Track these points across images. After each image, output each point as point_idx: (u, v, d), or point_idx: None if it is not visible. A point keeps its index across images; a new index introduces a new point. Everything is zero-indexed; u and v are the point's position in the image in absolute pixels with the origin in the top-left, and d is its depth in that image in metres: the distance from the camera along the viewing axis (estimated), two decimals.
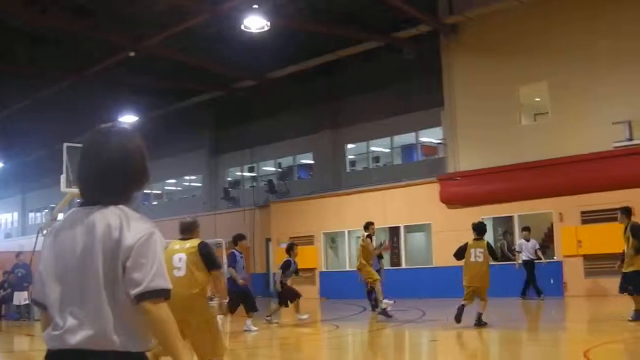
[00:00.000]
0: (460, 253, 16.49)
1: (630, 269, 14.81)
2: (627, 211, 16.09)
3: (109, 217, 3.16)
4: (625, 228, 16.07)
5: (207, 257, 8.99)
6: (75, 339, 3.04)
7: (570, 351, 12.51)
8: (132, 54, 26.76)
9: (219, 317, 17.45)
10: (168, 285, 3.17)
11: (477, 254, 16.17)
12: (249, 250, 30.64)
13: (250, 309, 16.90)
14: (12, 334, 21.29)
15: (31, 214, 61.50)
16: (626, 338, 13.25)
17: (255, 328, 16.58)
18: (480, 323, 15.66)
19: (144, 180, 3.44)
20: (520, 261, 22.92)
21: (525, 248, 23.02)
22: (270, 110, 36.34)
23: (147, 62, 28.41)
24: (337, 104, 33.96)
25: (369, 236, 18.90)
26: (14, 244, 37.39)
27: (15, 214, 63.76)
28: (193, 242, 9.08)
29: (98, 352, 3.05)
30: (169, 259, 8.59)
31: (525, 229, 23.44)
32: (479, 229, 16.88)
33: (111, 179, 3.25)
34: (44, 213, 57.39)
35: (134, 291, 3.06)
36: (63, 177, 21.71)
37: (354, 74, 32.55)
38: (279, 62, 30.16)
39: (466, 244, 16.62)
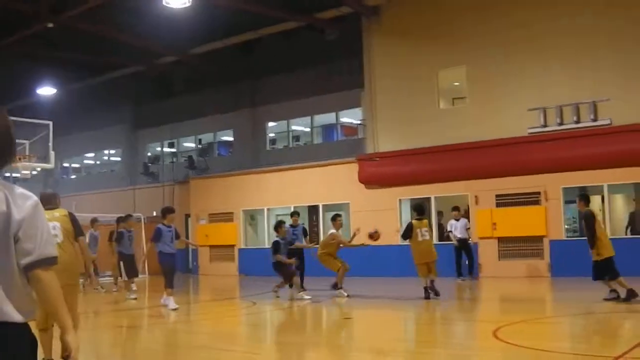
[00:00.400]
0: (407, 233, 17.28)
1: (599, 258, 15.16)
2: (584, 198, 16.61)
3: None
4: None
5: (75, 223, 9.40)
6: None
7: (480, 330, 12.92)
8: (50, 25, 26.36)
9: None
10: (56, 252, 3.36)
11: (423, 233, 17.24)
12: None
13: (168, 284, 16.78)
14: None
15: None
16: (536, 318, 13.73)
17: (175, 305, 16.48)
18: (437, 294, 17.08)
19: (12, 155, 3.46)
20: (455, 241, 23.24)
21: (456, 227, 23.29)
22: (191, 86, 36.29)
23: (67, 35, 28.02)
24: (259, 82, 34.07)
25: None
26: None
27: None
28: (61, 211, 9.41)
29: None
30: None
31: (455, 208, 23.64)
32: (420, 209, 18.23)
33: None
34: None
35: (26, 260, 3.21)
36: None
37: (276, 53, 32.67)
38: (200, 38, 30.10)
39: (411, 224, 17.52)
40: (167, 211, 17.34)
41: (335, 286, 18.72)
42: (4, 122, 3.39)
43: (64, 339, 3.39)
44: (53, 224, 8.95)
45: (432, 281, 17.29)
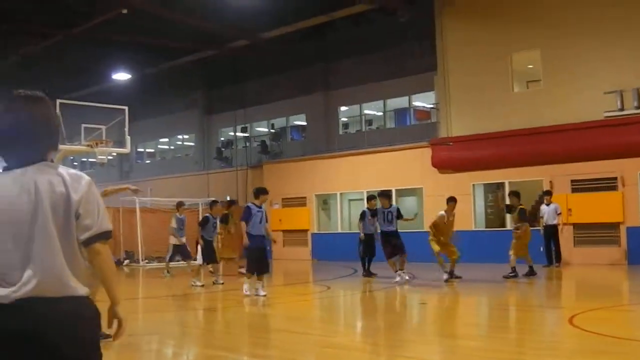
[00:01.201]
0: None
1: None
2: (516, 195, 17.63)
3: (48, 175, 3.43)
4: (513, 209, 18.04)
5: None
6: (33, 289, 3.27)
7: (557, 316, 12.79)
8: (124, 11, 26.67)
9: None
10: (111, 227, 3.59)
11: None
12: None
13: (249, 269, 16.25)
14: None
15: None
16: (612, 306, 13.55)
17: (247, 292, 16.08)
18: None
19: (58, 141, 3.70)
20: (542, 227, 22.46)
21: (547, 212, 22.49)
22: (263, 70, 36.44)
23: (139, 20, 28.28)
24: (330, 66, 34.10)
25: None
26: None
27: None
28: None
29: (55, 298, 3.31)
30: None
31: (547, 193, 22.99)
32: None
33: (39, 142, 3.52)
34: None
35: (86, 234, 3.43)
36: None
37: (347, 36, 32.64)
38: (271, 22, 30.13)
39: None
40: (260, 192, 16.62)
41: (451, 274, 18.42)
42: (46, 111, 3.62)
43: (114, 309, 3.60)
44: None
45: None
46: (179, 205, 22.73)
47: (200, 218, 22.73)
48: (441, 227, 18.50)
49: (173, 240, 22.10)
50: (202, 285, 19.00)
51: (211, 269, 20.24)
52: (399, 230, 19.06)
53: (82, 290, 3.41)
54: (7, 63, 33.82)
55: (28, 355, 3.26)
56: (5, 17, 28.55)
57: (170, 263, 23.50)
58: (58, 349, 3.27)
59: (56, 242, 3.36)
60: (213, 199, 22.07)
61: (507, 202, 20.35)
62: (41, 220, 3.35)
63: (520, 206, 18.80)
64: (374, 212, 20.39)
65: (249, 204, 16.35)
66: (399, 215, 19.16)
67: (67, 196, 3.40)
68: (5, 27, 29.63)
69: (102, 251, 3.50)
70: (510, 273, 18.31)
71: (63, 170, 3.48)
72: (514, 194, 19.33)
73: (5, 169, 3.49)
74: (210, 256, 20.17)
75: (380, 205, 19.57)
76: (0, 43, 31.83)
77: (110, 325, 3.60)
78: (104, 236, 3.50)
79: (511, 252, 18.53)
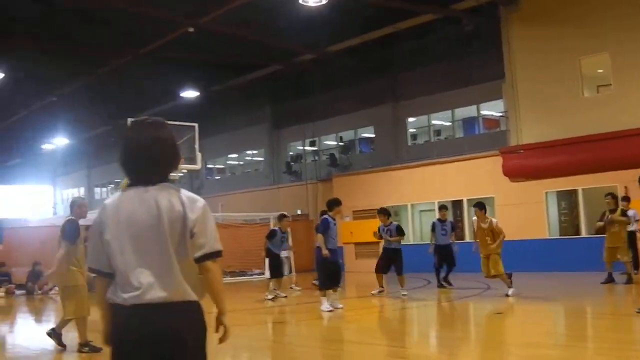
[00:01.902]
0: None
1: None
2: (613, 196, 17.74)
3: (168, 194, 3.90)
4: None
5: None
6: (152, 294, 3.75)
7: (635, 324, 12.57)
8: (190, 30, 26.99)
9: None
10: (221, 247, 4.00)
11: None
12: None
13: (322, 284, 16.20)
14: None
15: (97, 189, 62.61)
16: None
17: (328, 307, 15.70)
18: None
19: (178, 163, 4.15)
20: None
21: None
22: (329, 83, 36.50)
23: (205, 38, 28.60)
24: (397, 77, 34.03)
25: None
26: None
27: (82, 189, 64.92)
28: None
29: (171, 302, 3.78)
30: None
31: (625, 199, 21.68)
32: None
33: (162, 164, 4.01)
34: (109, 188, 58.44)
35: (200, 253, 3.90)
36: None
37: (413, 46, 32.55)
38: (337, 35, 30.19)
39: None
40: (333, 203, 16.40)
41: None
42: (168, 135, 4.07)
43: (221, 318, 4.08)
44: None
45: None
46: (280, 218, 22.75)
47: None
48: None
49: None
50: (273, 299, 19.17)
51: (273, 284, 20.17)
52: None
53: (193, 296, 3.86)
54: (78, 85, 34.48)
55: (147, 353, 3.73)
56: (75, 40, 29.14)
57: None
58: (173, 346, 3.75)
59: (172, 254, 3.81)
60: (282, 212, 22.07)
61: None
62: (159, 233, 3.81)
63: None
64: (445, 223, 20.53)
65: (326, 216, 16.15)
66: (400, 232, 19.65)
67: (184, 215, 3.86)
68: (75, 50, 30.24)
69: (212, 268, 3.95)
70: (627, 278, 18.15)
71: (182, 192, 3.95)
72: (612, 195, 19.26)
73: (129, 186, 3.97)
74: (276, 270, 20.17)
75: (381, 222, 19.95)
76: (70, 65, 32.51)
77: (216, 331, 4.07)
78: (215, 255, 3.96)
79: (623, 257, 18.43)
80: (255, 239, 30.70)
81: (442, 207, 21.62)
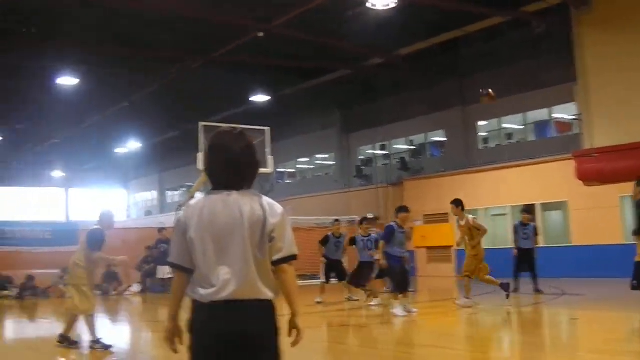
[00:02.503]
0: None
1: None
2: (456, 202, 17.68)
3: (250, 200, 4.19)
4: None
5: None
6: (229, 291, 4.02)
7: None
8: (260, 34, 27.14)
9: None
10: (297, 251, 4.29)
11: None
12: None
13: (394, 288, 16.13)
14: (156, 305, 22.23)
15: (168, 193, 63.42)
16: None
17: (402, 312, 15.53)
18: None
19: (258, 171, 4.42)
20: None
21: None
22: (399, 87, 36.44)
23: (274, 43, 28.74)
24: (466, 80, 33.76)
25: None
26: (154, 221, 38.67)
27: (154, 193, 65.85)
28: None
29: (247, 300, 4.05)
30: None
31: None
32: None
33: (247, 172, 4.31)
34: (180, 191, 59.16)
35: (278, 256, 4.17)
36: (200, 155, 22.30)
37: (482, 49, 32.33)
38: (405, 39, 30.13)
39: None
40: (399, 210, 16.34)
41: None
42: (252, 146, 4.37)
43: (294, 320, 4.30)
44: None
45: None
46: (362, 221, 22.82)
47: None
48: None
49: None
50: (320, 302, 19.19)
51: (347, 287, 20.22)
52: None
53: (269, 295, 4.11)
54: (150, 90, 34.97)
55: (228, 346, 4.01)
56: (146, 46, 29.58)
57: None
58: (254, 340, 4.04)
59: (250, 255, 4.08)
60: (335, 217, 21.91)
61: None
62: (240, 236, 4.09)
63: None
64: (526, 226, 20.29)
65: (392, 223, 16.12)
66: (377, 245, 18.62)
67: (265, 220, 4.14)
68: (146, 55, 30.71)
69: (288, 271, 4.23)
70: None
71: (263, 198, 4.24)
72: None
73: (213, 190, 4.26)
74: (338, 275, 20.32)
75: (361, 232, 19.64)
76: (142, 71, 33.03)
77: (289, 334, 4.26)
78: (291, 258, 4.24)
79: None
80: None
81: (525, 210, 21.34)
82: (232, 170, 4.25)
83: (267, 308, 4.13)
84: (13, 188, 63.23)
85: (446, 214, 30.84)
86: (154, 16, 26.50)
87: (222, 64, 31.45)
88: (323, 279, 20.98)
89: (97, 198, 66.73)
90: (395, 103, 36.82)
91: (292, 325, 4.30)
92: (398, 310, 15.65)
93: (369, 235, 19.76)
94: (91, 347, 11.88)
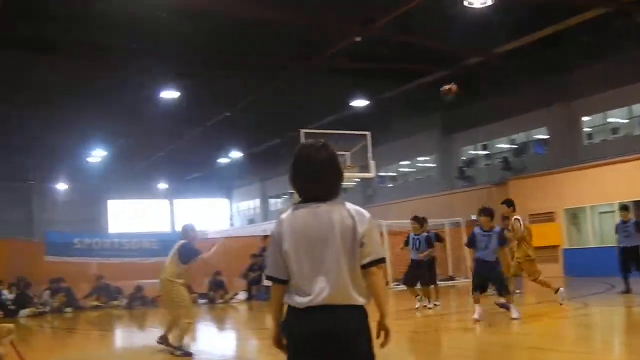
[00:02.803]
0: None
1: None
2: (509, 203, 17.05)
3: (338, 209, 4.39)
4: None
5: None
6: (323, 298, 4.22)
7: None
8: (358, 39, 27.09)
9: None
10: (384, 254, 4.56)
11: None
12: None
13: (500, 290, 15.52)
14: (262, 313, 22.32)
15: (271, 200, 63.99)
16: None
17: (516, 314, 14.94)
18: None
19: (342, 180, 4.62)
20: None
21: None
22: (499, 86, 35.84)
23: (371, 46, 28.67)
24: (568, 75, 33.03)
25: None
26: (257, 229, 39.00)
27: (257, 201, 66.53)
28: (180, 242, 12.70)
29: (341, 305, 4.25)
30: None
31: None
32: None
33: (334, 182, 4.50)
34: (282, 199, 59.63)
35: (367, 260, 4.34)
36: None
37: (583, 42, 31.49)
38: (504, 36, 29.58)
39: None
40: (479, 212, 15.71)
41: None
42: (336, 157, 4.57)
43: (383, 322, 4.50)
44: (172, 250, 12.67)
45: None
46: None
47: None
48: None
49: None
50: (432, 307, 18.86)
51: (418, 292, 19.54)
52: None
53: (361, 300, 4.32)
54: (250, 99, 35.30)
55: (322, 350, 4.21)
56: (246, 55, 29.88)
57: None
58: (348, 342, 4.24)
59: (344, 264, 4.29)
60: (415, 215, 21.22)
61: None
62: (332, 244, 4.29)
63: None
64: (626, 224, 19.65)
65: (476, 228, 15.61)
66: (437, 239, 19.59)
67: (354, 228, 4.32)
68: (247, 64, 31.02)
69: (376, 273, 4.40)
70: None
71: (350, 206, 4.42)
72: None
73: (301, 202, 4.46)
74: (410, 277, 19.38)
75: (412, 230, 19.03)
76: (242, 80, 33.37)
77: (378, 335, 4.45)
78: (380, 262, 4.41)
79: None
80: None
81: (623, 208, 20.68)
82: (318, 181, 4.46)
83: (357, 313, 4.30)
84: (119, 201, 64.85)
85: (552, 212, 30.28)
86: (254, 24, 26.77)
87: (322, 70, 31.59)
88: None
89: (200, 208, 67.96)
90: (496, 102, 36.26)
91: (381, 327, 4.51)
92: (513, 310, 15.05)
93: (420, 234, 19.30)
94: (171, 353, 12.16)
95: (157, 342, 12.57)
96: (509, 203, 17.35)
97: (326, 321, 4.22)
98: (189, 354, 12.02)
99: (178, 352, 11.98)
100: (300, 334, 4.31)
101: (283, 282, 4.40)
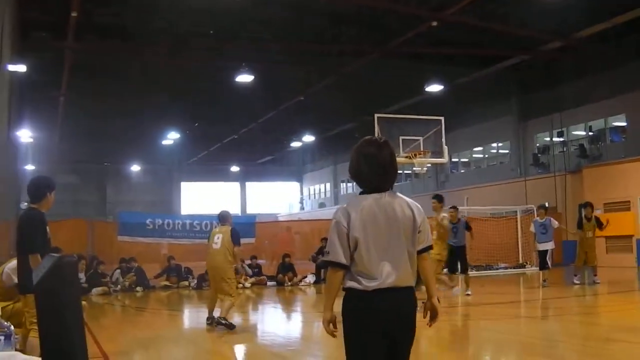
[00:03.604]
0: None
1: None
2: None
3: (399, 201, 4.88)
4: None
5: (234, 235, 13.58)
6: (391, 281, 4.70)
7: None
8: (434, 24, 26.81)
9: None
10: (432, 241, 5.19)
11: None
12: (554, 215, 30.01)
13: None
14: None
15: (342, 184, 63.98)
16: None
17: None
18: None
19: (397, 175, 5.07)
20: None
21: None
22: (579, 71, 35.10)
23: (447, 31, 28.36)
24: None
25: None
26: (328, 213, 39.00)
27: (328, 185, 66.60)
28: (227, 227, 13.82)
29: (403, 287, 4.77)
30: (211, 237, 13.94)
31: None
32: None
33: (390, 175, 4.93)
34: (354, 183, 59.59)
35: (422, 246, 4.91)
36: None
37: None
38: (585, 20, 28.92)
39: None
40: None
41: None
42: (394, 152, 5.00)
43: (432, 303, 5.05)
44: (218, 235, 13.68)
45: None
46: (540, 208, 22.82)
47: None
48: None
49: (536, 247, 22.05)
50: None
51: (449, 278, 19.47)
52: None
53: (412, 282, 4.84)
54: (324, 83, 35.26)
55: (387, 326, 4.72)
56: (321, 40, 29.84)
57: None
58: (408, 318, 4.80)
59: (405, 250, 4.81)
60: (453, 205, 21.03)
61: None
62: (396, 232, 4.79)
63: None
64: None
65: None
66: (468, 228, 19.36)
67: (413, 218, 4.86)
68: (321, 49, 30.97)
69: (427, 258, 5.00)
70: None
71: (406, 198, 4.93)
72: None
73: (363, 193, 4.90)
74: (451, 264, 19.41)
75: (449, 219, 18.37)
76: (317, 65, 33.37)
77: (425, 315, 5.03)
78: (430, 248, 5.03)
79: None
80: (502, 232, 30.19)
81: (541, 207, 20.44)
82: (382, 174, 4.90)
83: (412, 293, 4.84)
84: (192, 183, 65.52)
85: (628, 201, 29.60)
86: (331, 9, 26.72)
87: (398, 55, 31.42)
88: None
89: (272, 191, 68.35)
90: (574, 88, 35.50)
91: (429, 307, 5.06)
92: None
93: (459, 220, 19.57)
94: (217, 323, 13.44)
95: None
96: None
97: (394, 301, 4.71)
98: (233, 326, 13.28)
99: (223, 323, 13.29)
100: (369, 314, 4.70)
101: (346, 268, 4.76)
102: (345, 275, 4.77)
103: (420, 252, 4.89)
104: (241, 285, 25.61)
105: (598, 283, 20.63)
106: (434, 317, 5.04)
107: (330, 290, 4.86)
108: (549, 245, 21.33)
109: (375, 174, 4.88)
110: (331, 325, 4.91)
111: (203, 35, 28.35)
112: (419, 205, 4.95)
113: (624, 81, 32.71)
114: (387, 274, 4.69)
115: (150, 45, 29.70)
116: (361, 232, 4.71)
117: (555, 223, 22.03)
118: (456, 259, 19.08)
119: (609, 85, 33.46)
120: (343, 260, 4.72)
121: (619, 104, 33.70)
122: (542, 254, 21.41)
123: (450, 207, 19.67)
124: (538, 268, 22.54)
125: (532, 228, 21.88)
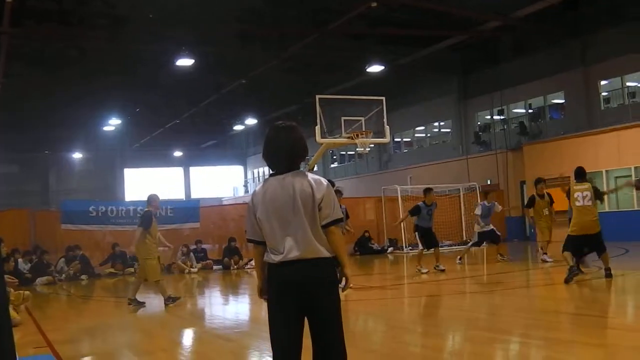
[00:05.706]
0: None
1: None
2: None
3: (300, 179, 5.21)
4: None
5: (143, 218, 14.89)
6: (292, 254, 5.11)
7: None
8: (374, 4, 26.83)
9: None
10: (342, 215, 5.41)
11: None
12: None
13: None
14: None
15: None
16: None
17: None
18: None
19: (306, 155, 5.45)
20: None
21: None
22: (517, 50, 35.57)
23: (388, 12, 28.46)
24: (587, 39, 32.55)
25: None
26: None
27: None
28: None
29: (311, 259, 5.13)
30: None
31: None
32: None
33: (293, 157, 5.30)
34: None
35: (326, 221, 5.20)
36: (317, 128, 22.31)
37: (602, 5, 31.09)
38: (523, 0, 29.26)
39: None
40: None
41: None
42: (298, 135, 5.38)
43: (343, 271, 5.44)
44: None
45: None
46: (486, 192, 23.92)
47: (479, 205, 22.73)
48: None
49: (477, 228, 22.41)
50: (426, 272, 19.14)
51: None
52: None
53: (326, 253, 5.19)
54: (267, 66, 35.16)
55: (296, 295, 5.12)
56: (262, 22, 29.76)
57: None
58: (319, 288, 5.16)
59: (306, 224, 5.15)
60: (428, 186, 21.58)
61: None
62: (296, 209, 5.16)
63: None
64: None
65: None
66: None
67: (312, 195, 5.18)
68: (262, 31, 30.89)
69: (335, 232, 5.27)
70: None
71: (310, 176, 5.27)
72: None
73: (272, 175, 5.31)
74: (428, 243, 20.17)
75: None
76: (259, 47, 33.30)
77: (340, 281, 5.33)
78: (337, 222, 5.26)
79: None
80: (446, 210, 30.51)
81: (427, 190, 20.65)
82: (277, 156, 5.31)
83: (323, 263, 5.16)
84: (135, 169, 65.01)
85: (568, 177, 30.04)
86: None
87: (339, 36, 31.39)
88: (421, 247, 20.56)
89: (216, 175, 68.12)
90: (513, 66, 35.93)
91: (342, 275, 5.47)
92: None
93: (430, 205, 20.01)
94: (165, 304, 14.65)
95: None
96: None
97: (297, 272, 5.10)
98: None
99: (170, 302, 14.67)
100: (277, 284, 5.19)
101: (261, 244, 5.33)
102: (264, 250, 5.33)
103: (325, 227, 5.20)
104: (187, 270, 25.75)
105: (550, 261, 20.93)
106: (345, 285, 5.48)
107: (255, 263, 5.53)
108: (490, 227, 21.90)
109: (273, 156, 5.34)
110: (262, 293, 5.46)
111: (143, 19, 28.04)
112: (323, 182, 5.26)
113: (562, 59, 33.24)
114: (289, 247, 5.13)
115: (89, 29, 29.33)
116: (263, 212, 5.23)
117: (499, 207, 22.73)
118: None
119: (548, 63, 33.95)
120: (253, 237, 5.37)
121: (558, 82, 34.21)
122: (485, 234, 21.93)
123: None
124: (471, 246, 23.15)
125: (477, 211, 22.24)
